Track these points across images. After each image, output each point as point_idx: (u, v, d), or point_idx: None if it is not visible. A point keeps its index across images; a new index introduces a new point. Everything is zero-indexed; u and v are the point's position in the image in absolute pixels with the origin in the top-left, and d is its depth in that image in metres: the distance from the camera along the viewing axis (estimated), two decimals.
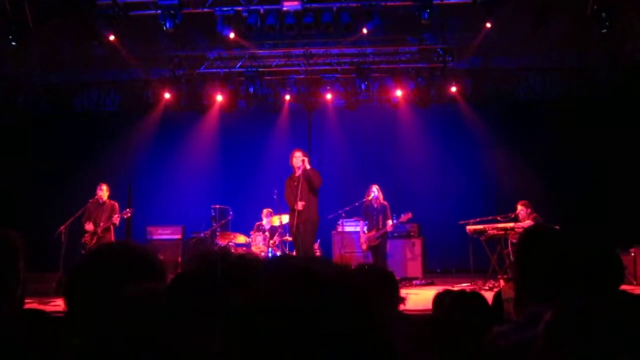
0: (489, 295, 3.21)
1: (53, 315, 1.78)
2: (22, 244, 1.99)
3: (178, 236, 11.28)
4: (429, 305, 3.30)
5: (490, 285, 8.70)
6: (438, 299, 3.21)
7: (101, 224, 9.16)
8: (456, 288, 3.35)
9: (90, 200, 9.37)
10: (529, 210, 9.11)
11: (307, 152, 9.22)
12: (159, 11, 9.06)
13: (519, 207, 9.19)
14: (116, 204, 9.44)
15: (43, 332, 1.74)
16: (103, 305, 1.31)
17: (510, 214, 9.25)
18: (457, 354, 2.54)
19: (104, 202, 9.33)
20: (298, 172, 8.45)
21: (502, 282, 8.63)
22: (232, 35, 9.59)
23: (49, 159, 12.03)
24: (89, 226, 9.16)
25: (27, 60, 11.36)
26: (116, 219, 9.25)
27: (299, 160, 8.48)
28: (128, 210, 9.54)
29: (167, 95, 11.97)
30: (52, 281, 8.33)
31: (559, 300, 1.24)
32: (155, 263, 1.56)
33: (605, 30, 8.74)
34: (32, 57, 11.35)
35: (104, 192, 9.35)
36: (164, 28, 9.06)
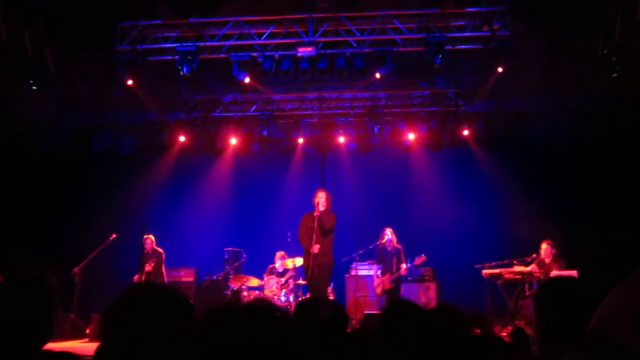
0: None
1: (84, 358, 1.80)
2: (56, 284, 2.03)
3: (191, 278, 11.27)
4: None
5: (508, 332, 8.51)
6: None
7: (146, 269, 10.00)
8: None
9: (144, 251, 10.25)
10: (554, 250, 8.93)
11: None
12: (177, 57, 9.24)
13: (544, 246, 8.98)
14: (161, 252, 10.33)
15: None
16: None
17: (526, 258, 9.12)
18: None
19: (151, 250, 10.25)
20: (317, 212, 8.36)
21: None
22: (247, 79, 9.71)
23: (65, 199, 12.07)
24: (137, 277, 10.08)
25: (45, 101, 11.55)
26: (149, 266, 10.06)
27: (318, 201, 8.40)
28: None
29: (182, 138, 12.11)
30: (65, 322, 8.46)
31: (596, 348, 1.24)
32: (184, 302, 1.63)
33: (615, 75, 8.81)
34: (50, 98, 11.54)
35: (149, 242, 10.27)
36: (181, 73, 9.20)
